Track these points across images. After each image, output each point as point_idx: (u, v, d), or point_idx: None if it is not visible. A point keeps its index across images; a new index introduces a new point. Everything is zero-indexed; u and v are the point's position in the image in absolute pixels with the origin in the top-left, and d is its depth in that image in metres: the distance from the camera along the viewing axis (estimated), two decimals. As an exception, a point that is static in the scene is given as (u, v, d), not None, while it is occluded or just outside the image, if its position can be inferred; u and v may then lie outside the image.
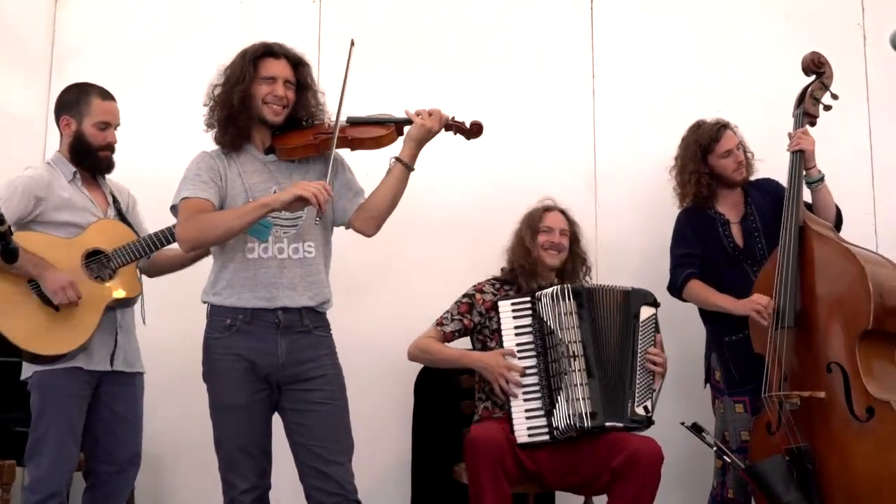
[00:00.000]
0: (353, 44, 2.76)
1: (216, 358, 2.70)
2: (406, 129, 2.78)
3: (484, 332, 3.30)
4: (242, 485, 2.67)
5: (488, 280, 3.41)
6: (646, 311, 3.21)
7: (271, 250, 2.69)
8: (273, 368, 2.67)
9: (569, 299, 3.13)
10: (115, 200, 3.14)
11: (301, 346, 2.70)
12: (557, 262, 3.36)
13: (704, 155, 3.51)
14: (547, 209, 3.43)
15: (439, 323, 3.31)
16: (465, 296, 3.36)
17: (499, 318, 3.18)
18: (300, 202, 2.56)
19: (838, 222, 3.44)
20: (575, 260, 3.43)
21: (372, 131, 2.76)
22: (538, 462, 3.07)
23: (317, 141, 2.72)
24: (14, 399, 3.10)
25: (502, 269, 3.44)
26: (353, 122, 2.77)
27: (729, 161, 3.49)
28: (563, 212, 3.45)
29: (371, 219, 2.79)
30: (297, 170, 2.77)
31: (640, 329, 3.18)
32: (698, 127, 3.57)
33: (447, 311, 3.34)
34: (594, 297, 3.17)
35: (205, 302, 2.75)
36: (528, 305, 3.17)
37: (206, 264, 3.16)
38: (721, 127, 3.52)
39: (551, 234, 3.36)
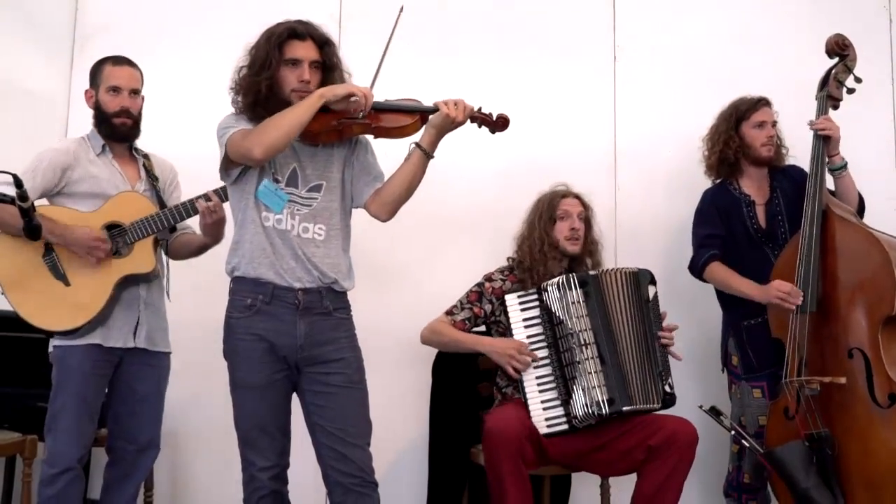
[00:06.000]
0: (402, 10, 2.69)
1: (236, 338, 2.69)
2: (430, 117, 2.73)
3: (500, 323, 3.29)
4: (260, 462, 2.68)
5: (498, 269, 3.39)
6: (651, 291, 3.21)
7: (284, 223, 2.68)
8: (291, 350, 2.67)
9: (575, 289, 3.11)
10: (149, 175, 3.12)
11: (320, 328, 2.69)
12: (578, 250, 3.33)
13: (738, 122, 3.51)
14: (563, 195, 3.39)
15: (449, 312, 3.30)
16: (475, 285, 3.35)
17: (507, 312, 3.17)
18: (349, 100, 2.58)
19: (860, 210, 3.42)
20: (589, 246, 3.39)
21: (397, 120, 2.71)
22: (559, 446, 3.07)
23: (340, 127, 2.67)
24: (36, 375, 3.13)
25: (510, 259, 3.41)
26: (379, 109, 2.70)
27: (760, 133, 3.48)
28: (577, 196, 3.41)
29: (386, 204, 2.76)
30: (320, 150, 2.75)
31: (652, 309, 3.18)
32: (740, 98, 3.57)
33: (457, 301, 3.33)
34: (601, 282, 3.14)
35: (229, 272, 2.74)
36: (535, 297, 3.15)
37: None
38: (762, 100, 3.53)
39: (570, 219, 3.33)
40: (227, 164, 2.68)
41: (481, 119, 2.75)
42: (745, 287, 3.32)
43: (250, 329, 2.67)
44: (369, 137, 2.81)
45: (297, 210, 2.70)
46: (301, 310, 2.67)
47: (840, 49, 3.41)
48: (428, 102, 2.74)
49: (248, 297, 2.67)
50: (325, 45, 2.73)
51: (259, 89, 2.65)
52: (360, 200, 2.81)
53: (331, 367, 2.69)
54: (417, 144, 2.72)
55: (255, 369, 2.67)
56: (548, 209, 3.36)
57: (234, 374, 2.72)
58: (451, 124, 2.69)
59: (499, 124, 2.77)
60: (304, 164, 2.71)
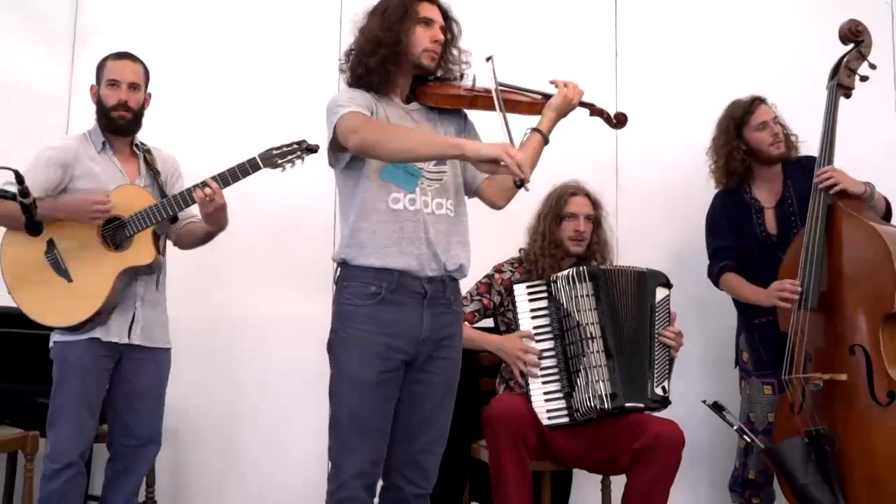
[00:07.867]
0: (491, 60, 2.60)
1: (354, 327, 2.48)
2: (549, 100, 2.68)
3: (507, 314, 3.29)
4: (353, 468, 2.45)
5: (508, 260, 3.40)
6: (661, 293, 3.19)
7: (418, 202, 2.52)
8: (415, 343, 2.49)
9: (585, 282, 3.11)
10: (150, 169, 3.11)
11: (442, 321, 2.55)
12: (581, 250, 3.32)
13: (739, 129, 3.45)
14: (573, 193, 3.37)
15: None
16: (484, 276, 3.35)
17: (514, 302, 3.16)
18: (494, 164, 2.34)
19: (888, 214, 3.33)
20: (597, 245, 3.38)
21: (526, 96, 2.67)
22: (559, 440, 3.07)
23: (469, 94, 2.59)
24: (38, 371, 3.14)
25: (521, 250, 3.42)
26: (506, 88, 2.63)
27: (765, 134, 3.42)
28: (588, 195, 3.39)
29: (506, 190, 2.66)
30: (438, 121, 2.64)
31: (657, 310, 3.16)
32: (733, 104, 3.51)
33: (467, 292, 3.31)
34: (610, 278, 3.14)
35: (340, 261, 2.54)
36: (544, 288, 3.15)
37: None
38: (755, 100, 3.47)
39: (575, 220, 3.32)
40: (336, 146, 2.51)
41: (600, 113, 2.77)
42: (752, 295, 3.32)
43: (373, 319, 2.47)
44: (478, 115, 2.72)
45: (429, 185, 2.55)
46: (427, 300, 2.52)
47: (854, 35, 3.31)
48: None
49: (372, 284, 2.47)
50: (447, 15, 2.65)
51: (399, 40, 2.53)
52: (475, 185, 2.71)
53: (436, 366, 2.55)
54: (535, 129, 2.66)
55: (368, 363, 2.46)
56: (555, 206, 3.34)
57: (343, 367, 2.50)
58: (568, 106, 2.66)
59: (621, 121, 2.80)
60: None
